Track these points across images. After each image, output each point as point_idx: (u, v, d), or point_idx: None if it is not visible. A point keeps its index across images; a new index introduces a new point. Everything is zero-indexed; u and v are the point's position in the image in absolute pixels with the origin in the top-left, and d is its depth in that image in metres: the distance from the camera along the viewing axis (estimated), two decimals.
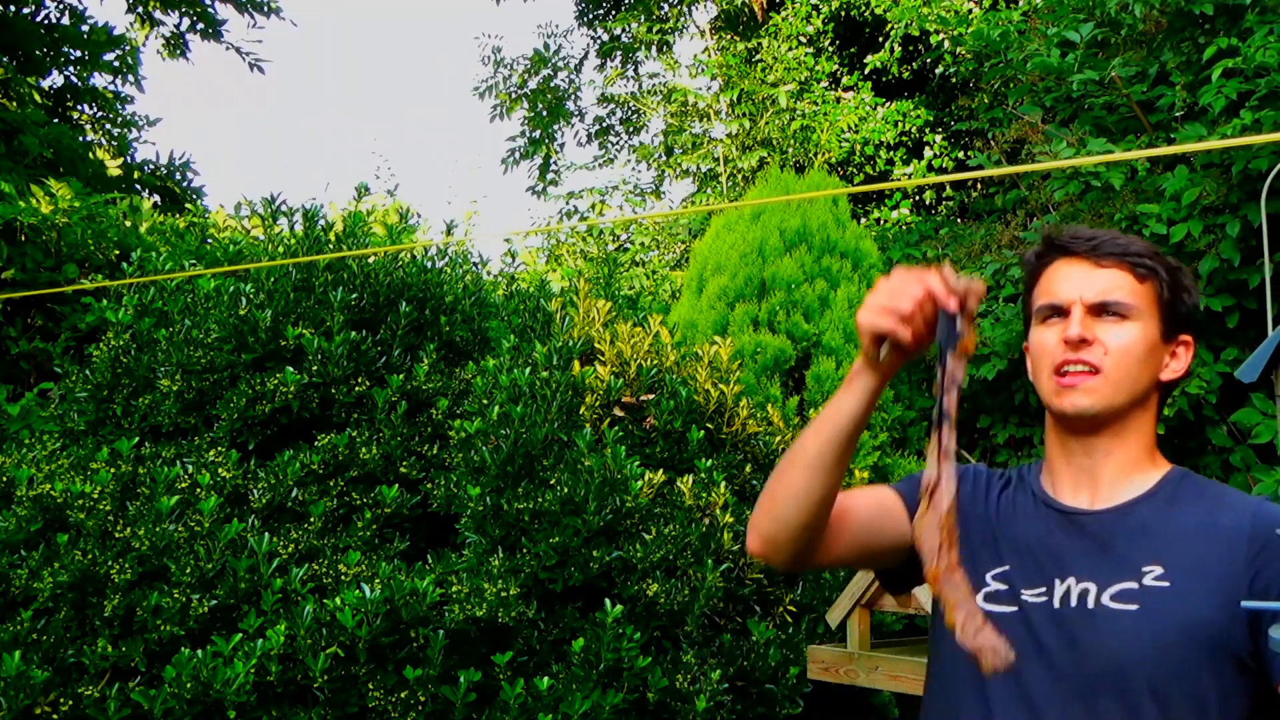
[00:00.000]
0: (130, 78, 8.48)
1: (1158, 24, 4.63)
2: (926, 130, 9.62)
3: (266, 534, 3.15)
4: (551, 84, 13.22)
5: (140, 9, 8.88)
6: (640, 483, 3.26)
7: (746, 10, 11.45)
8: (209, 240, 6.35)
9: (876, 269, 5.31)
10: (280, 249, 3.95)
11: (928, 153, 9.51)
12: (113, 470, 3.32)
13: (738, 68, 10.32)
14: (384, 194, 10.87)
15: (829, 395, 4.77)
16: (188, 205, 8.25)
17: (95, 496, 3.22)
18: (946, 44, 8.75)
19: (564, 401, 3.40)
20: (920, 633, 3.50)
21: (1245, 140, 0.93)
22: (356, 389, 3.56)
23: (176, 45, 9.02)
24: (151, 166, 8.29)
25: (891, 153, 9.68)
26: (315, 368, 3.52)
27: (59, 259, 5.79)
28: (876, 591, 3.20)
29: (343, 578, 3.11)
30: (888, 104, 9.71)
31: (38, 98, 8.00)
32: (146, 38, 9.01)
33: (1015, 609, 1.46)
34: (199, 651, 2.89)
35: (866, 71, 10.00)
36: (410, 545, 3.35)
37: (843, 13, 9.99)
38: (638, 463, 3.34)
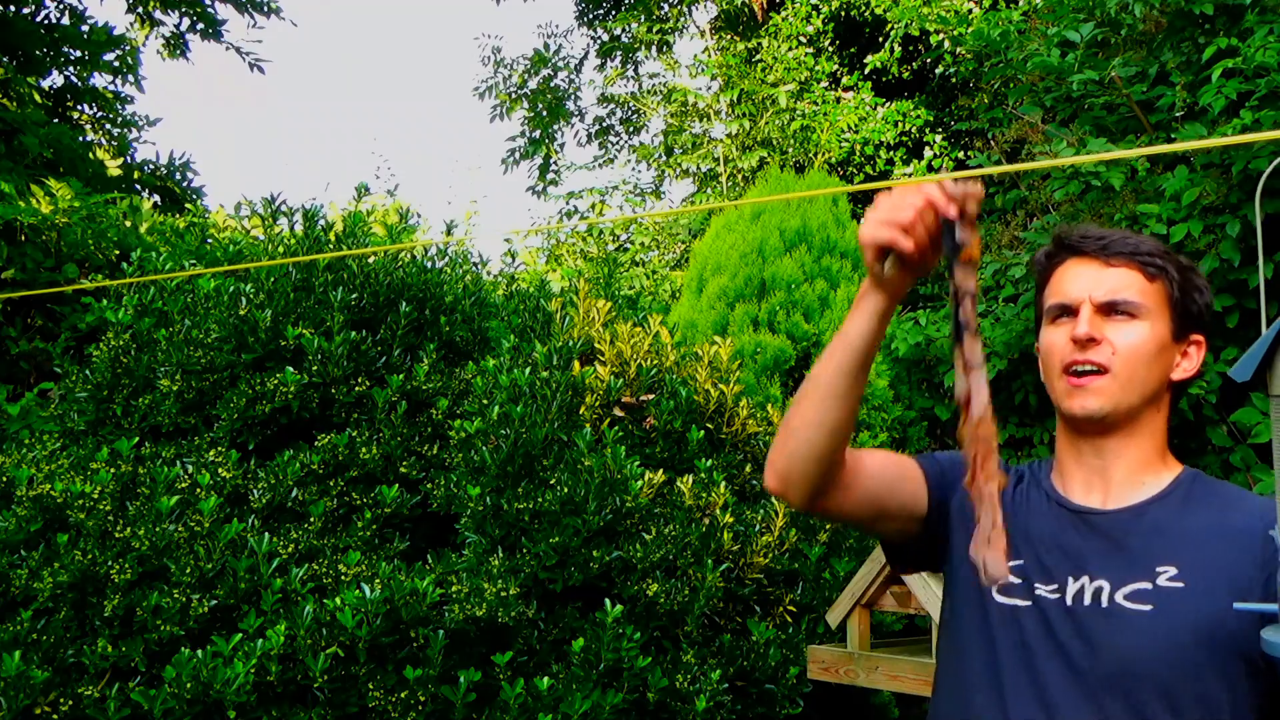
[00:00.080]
0: (130, 78, 8.48)
1: (1158, 24, 4.63)
2: (926, 130, 9.63)
3: (266, 534, 3.15)
4: (551, 84, 13.22)
5: (140, 9, 8.88)
6: (640, 483, 3.26)
7: (746, 10, 11.45)
8: (209, 240, 6.34)
9: None
10: (280, 249, 3.95)
11: (928, 153, 9.51)
12: (113, 470, 3.32)
13: (738, 68, 10.32)
14: (384, 194, 10.87)
15: None
16: (188, 205, 8.25)
17: (95, 496, 3.22)
18: (946, 44, 8.76)
19: (564, 401, 3.41)
20: (920, 633, 3.50)
21: (1245, 138, 0.93)
22: (356, 389, 3.56)
23: (176, 45, 9.02)
24: (151, 166, 8.29)
25: (891, 153, 9.68)
26: (315, 368, 3.52)
27: (59, 259, 5.79)
28: (876, 591, 3.20)
29: (343, 578, 3.11)
30: (888, 104, 9.72)
31: (38, 98, 8.00)
32: (146, 38, 9.01)
33: (1029, 603, 1.45)
34: (199, 651, 2.89)
35: (866, 71, 10.01)
36: (410, 545, 3.35)
37: (843, 13, 10.00)
38: (638, 463, 3.34)
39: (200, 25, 8.89)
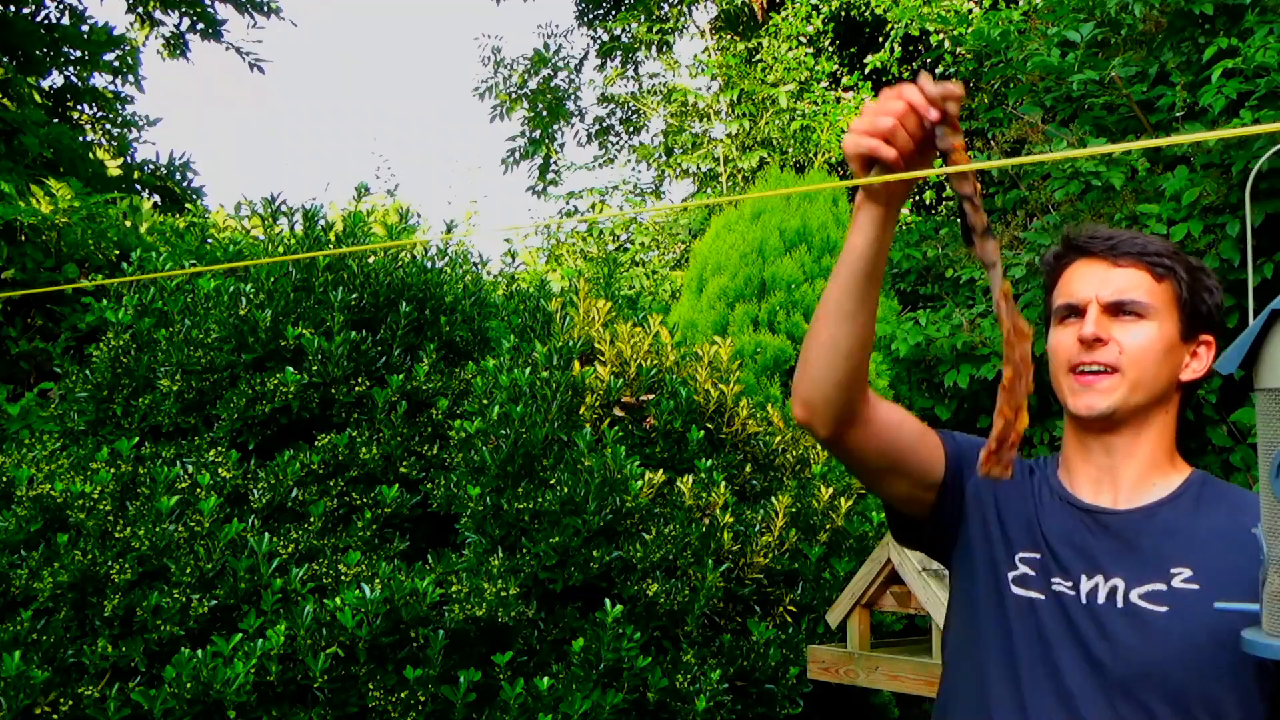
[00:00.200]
0: (130, 78, 8.48)
1: (1158, 24, 4.63)
2: None
3: (266, 534, 3.15)
4: (551, 84, 13.22)
5: (140, 9, 8.88)
6: (640, 483, 3.26)
7: (746, 10, 11.45)
8: (209, 240, 6.34)
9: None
10: (280, 249, 3.95)
11: None
12: (113, 470, 3.32)
13: (738, 68, 10.32)
14: (384, 194, 10.87)
15: None
16: (188, 205, 8.25)
17: (95, 496, 3.21)
18: (946, 44, 8.75)
19: (564, 401, 3.40)
20: (920, 633, 3.50)
21: (1240, 131, 0.93)
22: (356, 389, 3.56)
23: (176, 45, 9.02)
24: (151, 166, 8.28)
25: None
26: (315, 368, 3.52)
27: (59, 259, 5.79)
28: (876, 591, 3.20)
29: (343, 578, 3.11)
30: None
31: (38, 98, 7.99)
32: (146, 38, 9.00)
33: (1045, 596, 1.44)
34: (199, 651, 2.89)
35: (866, 71, 10.00)
36: (410, 545, 3.35)
37: (843, 13, 9.99)
38: (638, 463, 3.34)
39: (200, 25, 8.89)
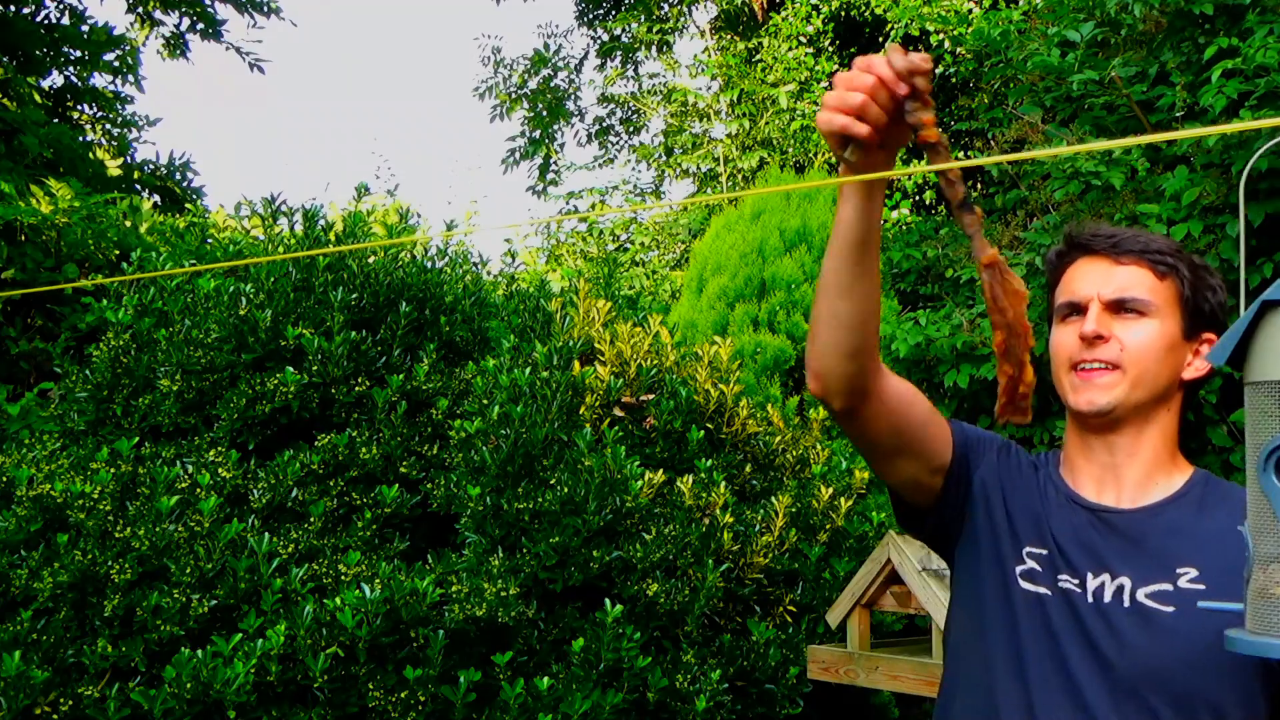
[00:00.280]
0: (130, 78, 8.48)
1: (1158, 24, 4.63)
2: None
3: (266, 534, 3.15)
4: (551, 84, 13.23)
5: (140, 9, 8.88)
6: (640, 483, 3.26)
7: (746, 10, 11.45)
8: (209, 240, 6.34)
9: (880, 276, 5.30)
10: (280, 249, 3.95)
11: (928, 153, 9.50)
12: (113, 470, 3.32)
13: (738, 68, 10.33)
14: (384, 194, 10.88)
15: None
16: (188, 205, 8.25)
17: (95, 496, 3.21)
18: (946, 44, 8.75)
19: (564, 401, 3.41)
20: (920, 633, 3.50)
21: (1235, 127, 0.93)
22: (356, 389, 3.56)
23: (176, 45, 9.02)
24: (151, 166, 8.28)
25: None
26: (315, 368, 3.52)
27: (59, 259, 5.79)
28: (876, 591, 3.20)
29: (343, 578, 3.11)
30: None
31: (38, 98, 7.99)
32: (146, 38, 9.00)
33: (1051, 592, 1.44)
34: (199, 651, 2.89)
35: None
36: (410, 545, 3.35)
37: (843, 13, 9.99)
38: (638, 463, 3.34)
39: (200, 25, 8.89)
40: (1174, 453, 1.50)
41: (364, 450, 3.42)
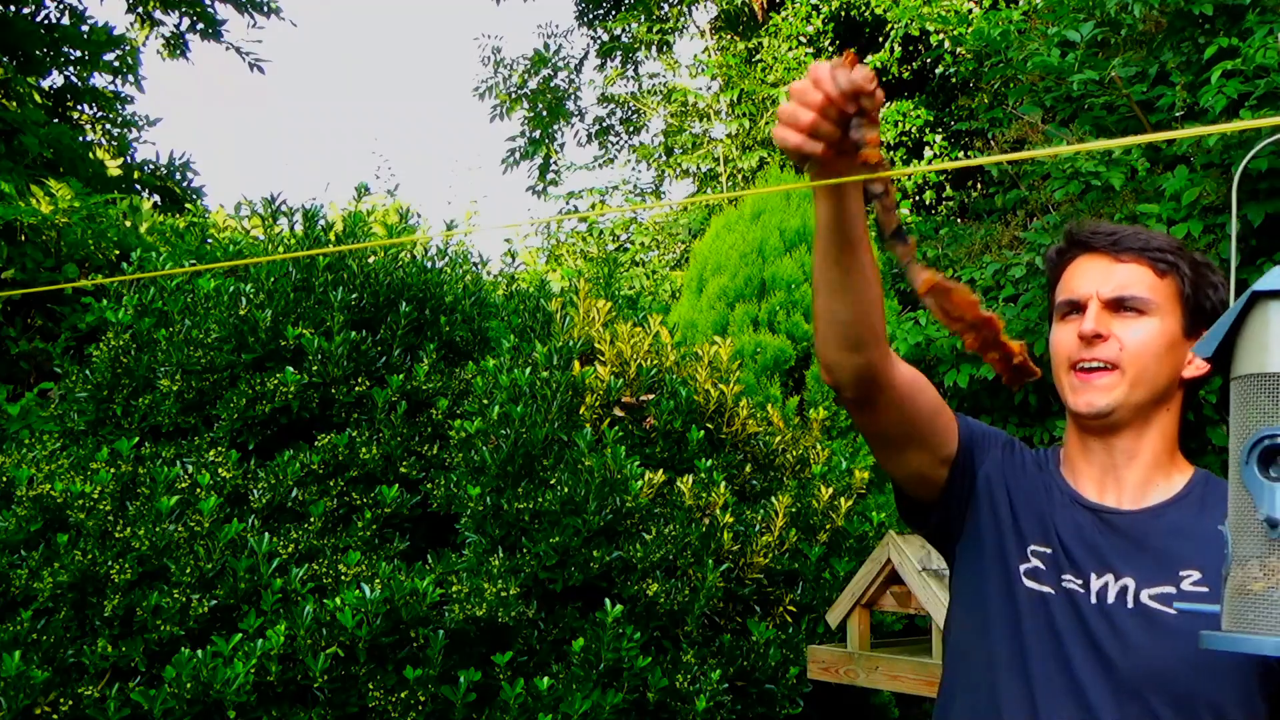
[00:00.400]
0: (130, 78, 8.48)
1: (1158, 24, 4.63)
2: (926, 130, 9.62)
3: (266, 534, 3.15)
4: (551, 84, 13.23)
5: (140, 9, 8.87)
6: (640, 483, 3.26)
7: (746, 10, 11.45)
8: (209, 240, 6.34)
9: (877, 268, 5.30)
10: (280, 249, 3.95)
11: (928, 153, 9.51)
12: (113, 470, 3.32)
13: (738, 68, 10.33)
14: (384, 194, 10.88)
15: (829, 395, 4.78)
16: (188, 205, 8.25)
17: (95, 496, 3.21)
18: (946, 44, 8.75)
19: (564, 401, 3.40)
20: (920, 633, 3.50)
21: (1234, 126, 0.92)
22: (356, 389, 3.56)
23: (176, 45, 9.02)
24: (151, 166, 8.28)
25: (892, 153, 9.67)
26: (315, 368, 3.52)
27: (59, 259, 5.79)
28: (876, 591, 3.20)
29: (343, 578, 3.11)
30: (888, 104, 9.71)
31: (38, 98, 7.99)
32: (146, 38, 9.00)
33: (1054, 591, 1.43)
34: (199, 651, 2.89)
35: None
36: (410, 545, 3.35)
37: (843, 13, 9.99)
38: (638, 463, 3.34)
39: (200, 25, 8.89)
40: (1174, 453, 1.49)
41: (364, 450, 3.42)
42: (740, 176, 10.26)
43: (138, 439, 3.55)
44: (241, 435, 3.54)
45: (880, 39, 10.01)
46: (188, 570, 3.07)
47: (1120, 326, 1.43)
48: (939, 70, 9.34)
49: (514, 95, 13.10)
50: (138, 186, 8.15)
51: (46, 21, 7.98)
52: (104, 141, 8.58)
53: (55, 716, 2.94)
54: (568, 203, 13.07)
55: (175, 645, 2.99)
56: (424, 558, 3.30)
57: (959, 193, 9.75)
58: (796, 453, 3.83)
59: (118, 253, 5.91)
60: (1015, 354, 1.28)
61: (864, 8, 9.69)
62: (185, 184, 8.32)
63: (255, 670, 2.89)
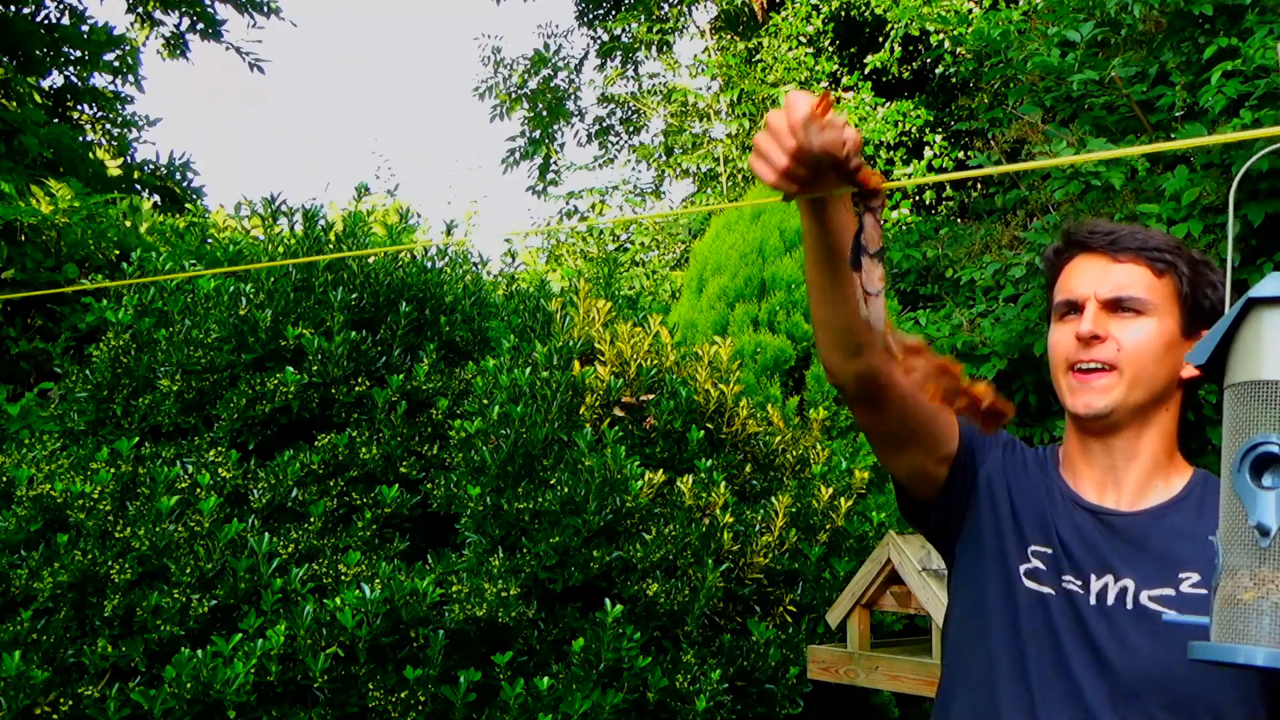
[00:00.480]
0: (130, 78, 8.48)
1: (1158, 24, 4.63)
2: (926, 130, 9.62)
3: (266, 534, 3.15)
4: (551, 84, 13.23)
5: (140, 9, 8.88)
6: (640, 483, 3.26)
7: (746, 10, 11.45)
8: (209, 240, 6.34)
9: None
10: (280, 249, 3.95)
11: (928, 153, 9.50)
12: (113, 470, 3.32)
13: (738, 68, 10.33)
14: (384, 194, 10.88)
15: (829, 395, 4.78)
16: (188, 205, 8.25)
17: (95, 496, 3.22)
18: (946, 44, 8.75)
19: (564, 401, 3.41)
20: (920, 633, 3.50)
21: (1241, 135, 0.92)
22: (356, 389, 3.56)
23: (176, 45, 9.02)
24: (151, 166, 8.29)
25: (892, 153, 9.67)
26: (315, 368, 3.52)
27: (59, 259, 5.79)
28: (876, 591, 3.20)
29: (343, 578, 3.11)
30: (888, 104, 9.71)
31: (38, 98, 7.99)
32: (146, 38, 9.01)
33: (1054, 591, 1.42)
34: (199, 651, 2.89)
35: (866, 71, 10.00)
36: (410, 545, 3.35)
37: (843, 13, 9.99)
38: (638, 463, 3.34)
39: (200, 25, 8.89)
40: (1173, 453, 1.49)
41: (364, 450, 3.42)
42: (740, 176, 10.26)
43: (138, 439, 3.55)
44: (241, 435, 3.54)
45: (880, 39, 10.01)
46: (188, 570, 3.07)
47: (1118, 327, 1.42)
48: (939, 70, 9.34)
49: (514, 95, 13.10)
50: (138, 186, 8.15)
51: (46, 21, 7.98)
52: (104, 141, 8.58)
53: (55, 716, 2.94)
54: (568, 202, 13.08)
55: (175, 645, 2.99)
56: (424, 558, 3.30)
57: (959, 193, 9.75)
58: (796, 453, 3.84)
59: (118, 253, 5.91)
60: (982, 399, 1.23)
61: (864, 8, 9.69)
62: (185, 184, 8.32)
63: (255, 670, 2.89)
